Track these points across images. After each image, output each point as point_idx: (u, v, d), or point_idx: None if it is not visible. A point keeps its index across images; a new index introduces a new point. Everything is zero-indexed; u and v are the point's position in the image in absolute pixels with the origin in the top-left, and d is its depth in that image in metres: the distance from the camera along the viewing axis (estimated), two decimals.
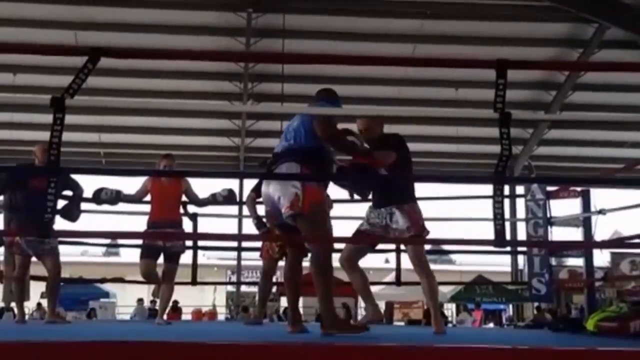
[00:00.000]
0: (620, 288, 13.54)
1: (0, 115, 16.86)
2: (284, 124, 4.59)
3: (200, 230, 6.82)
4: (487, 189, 3.84)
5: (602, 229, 7.58)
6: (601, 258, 14.85)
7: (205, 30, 15.32)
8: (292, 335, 3.83)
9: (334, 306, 3.65)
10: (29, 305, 13.57)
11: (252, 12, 15.14)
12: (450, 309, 21.16)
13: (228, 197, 5.99)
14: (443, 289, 19.55)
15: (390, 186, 4.38)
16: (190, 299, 17.80)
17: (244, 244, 8.70)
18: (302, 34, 15.24)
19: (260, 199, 4.57)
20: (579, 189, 7.08)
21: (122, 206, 6.12)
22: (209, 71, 16.34)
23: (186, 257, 6.45)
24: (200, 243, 7.39)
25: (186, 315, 17.52)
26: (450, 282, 20.41)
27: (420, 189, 4.64)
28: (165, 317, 6.34)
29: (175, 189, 5.91)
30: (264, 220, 5.32)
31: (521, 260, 15.33)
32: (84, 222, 5.92)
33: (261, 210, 5.06)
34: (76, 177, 5.84)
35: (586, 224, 6.93)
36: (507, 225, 3.08)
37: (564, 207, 7.48)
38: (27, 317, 7.59)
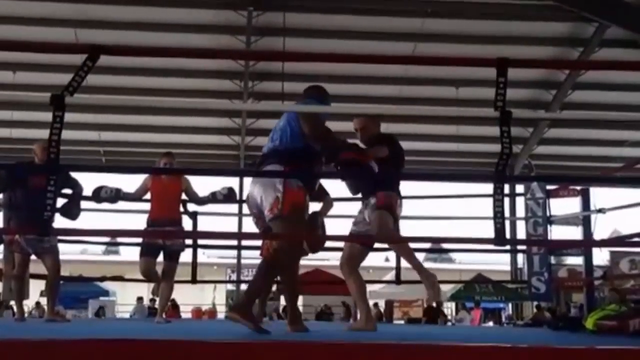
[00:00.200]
0: (619, 287, 13.53)
1: (0, 113, 16.84)
2: None
3: (200, 228, 6.83)
4: (487, 187, 3.84)
5: (602, 228, 7.58)
6: (600, 257, 14.87)
7: (205, 29, 15.31)
8: (292, 334, 3.82)
9: (252, 299, 3.53)
10: (28, 304, 13.57)
11: (253, 10, 15.12)
12: (449, 308, 21.17)
13: (228, 196, 5.99)
14: (443, 287, 19.56)
15: (370, 180, 4.40)
16: (190, 297, 17.83)
17: (244, 243, 8.70)
18: (303, 32, 15.24)
19: None
20: (578, 187, 7.08)
21: (122, 204, 6.13)
22: (210, 69, 16.33)
23: (186, 256, 6.46)
24: (200, 241, 7.41)
25: (186, 314, 17.53)
26: (450, 280, 20.43)
27: (420, 187, 4.65)
28: (164, 315, 6.35)
29: (175, 187, 5.92)
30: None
31: (521, 258, 15.35)
32: (84, 221, 5.92)
33: None
34: (76, 175, 5.84)
35: (586, 223, 6.94)
36: (507, 223, 3.07)
37: (564, 205, 7.49)
38: (25, 315, 7.58)
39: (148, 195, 5.93)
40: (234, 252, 16.99)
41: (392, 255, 8.16)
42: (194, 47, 14.67)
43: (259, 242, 6.57)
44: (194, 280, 7.28)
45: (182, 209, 6.23)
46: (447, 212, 7.81)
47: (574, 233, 7.52)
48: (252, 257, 13.10)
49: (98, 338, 2.45)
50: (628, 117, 12.92)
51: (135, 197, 5.97)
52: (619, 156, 17.78)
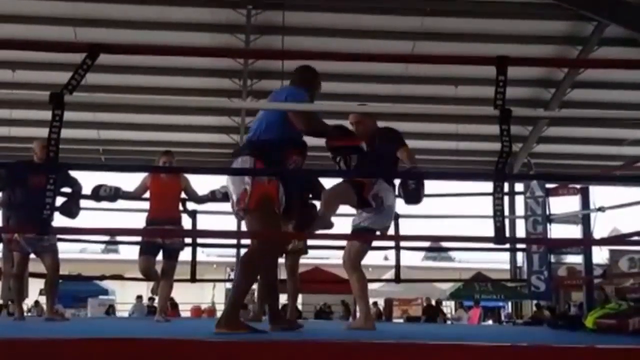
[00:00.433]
0: (619, 285, 13.55)
1: None
2: None
3: (199, 227, 6.82)
4: (486, 186, 3.84)
5: (601, 227, 7.57)
6: (600, 255, 14.87)
7: (205, 27, 15.31)
8: (290, 333, 3.81)
9: (236, 307, 3.42)
10: (28, 303, 13.56)
11: (252, 9, 15.13)
12: (449, 306, 21.18)
13: (227, 194, 5.98)
14: (442, 286, 19.58)
15: (365, 171, 4.36)
16: (189, 296, 17.81)
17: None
18: (302, 31, 15.23)
19: None
20: (578, 186, 7.08)
21: (121, 203, 6.12)
22: (209, 68, 16.33)
23: (185, 254, 6.45)
24: (200, 240, 7.40)
25: (185, 313, 17.52)
26: (450, 279, 20.45)
27: None
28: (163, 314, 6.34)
29: (174, 185, 5.91)
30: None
31: (520, 257, 15.35)
32: (83, 219, 5.92)
33: None
34: (75, 173, 5.83)
35: (585, 222, 6.93)
36: (506, 222, 3.07)
37: (563, 204, 7.49)
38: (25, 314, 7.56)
39: (147, 194, 5.93)
40: (233, 251, 16.90)
41: (391, 254, 8.14)
42: (193, 45, 14.66)
43: None
44: (193, 279, 7.28)
45: (181, 208, 6.22)
46: (446, 211, 7.81)
47: (574, 232, 7.52)
48: None
49: (98, 337, 2.45)
50: (627, 115, 12.93)
51: (135, 195, 5.97)
52: (618, 154, 17.80)
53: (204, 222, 6.86)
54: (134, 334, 3.07)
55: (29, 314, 13.99)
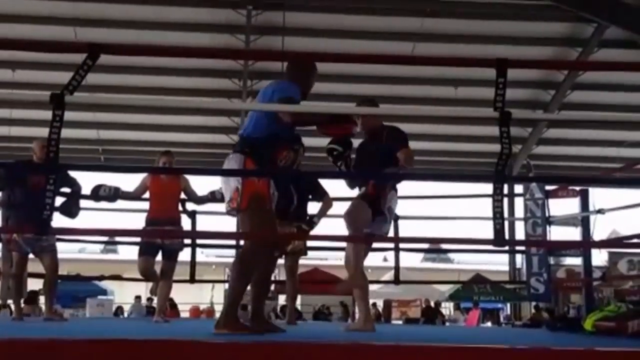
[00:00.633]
0: (618, 287, 13.55)
1: None
2: None
3: (198, 227, 6.82)
4: (486, 187, 3.83)
5: (601, 229, 7.58)
6: (599, 257, 14.87)
7: (205, 28, 15.31)
8: (288, 334, 3.81)
9: (234, 307, 3.44)
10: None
11: (252, 9, 15.12)
12: (448, 308, 21.18)
13: None
14: (441, 287, 19.59)
15: (368, 171, 4.38)
16: (188, 296, 17.81)
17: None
18: (302, 31, 15.23)
19: None
20: (577, 188, 7.08)
21: (120, 203, 6.12)
22: (209, 68, 16.32)
23: (184, 255, 6.45)
24: (199, 241, 7.39)
25: (184, 313, 17.51)
26: (448, 281, 20.46)
27: (419, 187, 4.64)
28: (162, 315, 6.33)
29: (174, 186, 5.91)
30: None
31: (519, 259, 15.35)
32: (82, 219, 5.92)
33: None
34: (74, 173, 5.83)
35: (585, 224, 6.93)
36: (506, 224, 3.07)
37: (563, 206, 7.49)
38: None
39: (147, 194, 5.93)
40: (233, 252, 16.94)
41: (390, 255, 8.15)
42: (193, 45, 14.65)
43: None
44: (192, 280, 7.27)
45: (181, 208, 6.22)
46: (445, 212, 7.80)
47: (573, 234, 7.52)
48: None
49: (97, 338, 2.45)
50: (627, 117, 12.89)
51: (134, 196, 5.96)
52: (617, 156, 17.81)
53: (204, 223, 6.86)
54: (133, 334, 3.07)
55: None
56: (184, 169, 10.19)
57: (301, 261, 6.03)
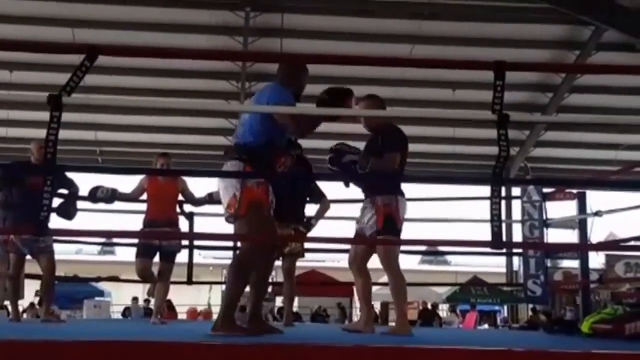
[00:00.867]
0: (614, 290, 13.55)
1: None
2: None
3: (196, 229, 6.81)
4: (483, 190, 3.82)
5: (598, 231, 7.58)
6: (596, 260, 14.88)
7: (203, 29, 15.30)
8: (285, 335, 3.80)
9: (231, 309, 3.45)
10: (23, 304, 13.52)
11: (250, 11, 15.12)
12: (444, 310, 21.19)
13: None
14: (438, 290, 19.58)
15: (371, 176, 4.29)
16: (185, 298, 17.80)
17: (240, 244, 8.68)
18: (300, 33, 15.23)
19: None
20: (575, 191, 7.08)
21: (118, 205, 6.11)
22: (207, 70, 16.32)
23: (182, 257, 6.44)
24: (196, 242, 7.39)
25: (181, 315, 17.50)
26: (446, 283, 20.44)
27: (417, 190, 4.62)
28: (159, 316, 6.33)
29: (171, 187, 5.91)
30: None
31: (516, 261, 15.35)
32: (80, 221, 5.91)
33: None
34: (72, 175, 5.83)
35: (582, 226, 6.93)
36: (503, 226, 3.07)
37: (560, 209, 7.49)
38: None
39: (144, 196, 5.92)
40: (230, 253, 16.93)
41: None
42: (191, 47, 14.65)
43: None
44: (189, 281, 7.27)
45: (178, 210, 6.22)
46: (443, 215, 7.80)
47: (570, 236, 7.52)
48: None
49: (94, 339, 2.45)
50: (624, 120, 12.92)
51: (132, 197, 5.96)
52: (615, 159, 17.83)
53: (201, 224, 6.86)
54: (130, 336, 3.07)
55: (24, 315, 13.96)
56: (181, 171, 10.20)
57: (298, 263, 6.03)
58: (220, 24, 15.41)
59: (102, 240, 10.61)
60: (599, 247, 8.62)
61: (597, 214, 6.73)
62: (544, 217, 7.12)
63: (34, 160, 5.52)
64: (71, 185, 5.74)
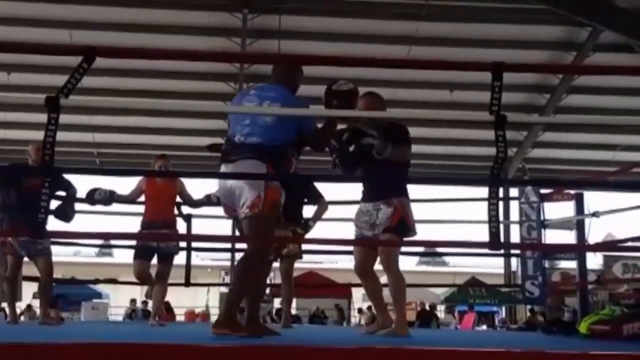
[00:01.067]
0: (612, 291, 13.56)
1: None
2: None
3: (194, 231, 6.81)
4: (481, 191, 3.82)
5: (596, 232, 7.58)
6: (594, 261, 14.89)
7: (200, 31, 15.29)
8: (284, 337, 3.80)
9: (236, 307, 3.45)
10: (21, 306, 13.52)
11: (248, 12, 15.12)
12: (442, 311, 21.20)
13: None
14: (436, 290, 19.59)
15: (383, 179, 4.26)
16: (183, 300, 17.79)
17: (238, 245, 8.68)
18: (298, 34, 15.23)
19: None
20: (572, 191, 7.08)
21: (116, 207, 6.11)
22: (204, 71, 16.31)
23: (180, 258, 6.45)
24: (194, 244, 7.38)
25: (179, 316, 17.50)
26: (444, 284, 20.46)
27: (415, 191, 4.61)
28: (157, 318, 6.33)
29: (169, 189, 5.91)
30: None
31: (514, 262, 15.36)
32: (77, 223, 5.91)
33: None
34: (70, 177, 5.83)
35: (580, 227, 6.94)
36: (501, 227, 3.07)
37: (558, 210, 7.49)
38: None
39: (142, 198, 5.92)
40: (228, 255, 16.98)
41: None
42: (189, 49, 14.65)
43: None
44: (187, 283, 7.26)
45: (176, 212, 6.21)
46: (440, 216, 7.78)
47: (568, 237, 7.52)
48: None
49: (92, 342, 2.45)
50: (622, 121, 12.93)
51: (130, 199, 5.96)
52: (612, 160, 17.85)
53: (199, 226, 6.85)
54: (128, 338, 3.06)
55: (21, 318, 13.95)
56: (179, 172, 10.19)
57: (296, 264, 6.03)
58: (218, 25, 15.41)
59: (100, 242, 10.60)
60: (597, 248, 8.63)
61: (595, 214, 6.74)
62: (542, 218, 7.12)
63: (32, 162, 5.52)
64: (69, 187, 5.73)
